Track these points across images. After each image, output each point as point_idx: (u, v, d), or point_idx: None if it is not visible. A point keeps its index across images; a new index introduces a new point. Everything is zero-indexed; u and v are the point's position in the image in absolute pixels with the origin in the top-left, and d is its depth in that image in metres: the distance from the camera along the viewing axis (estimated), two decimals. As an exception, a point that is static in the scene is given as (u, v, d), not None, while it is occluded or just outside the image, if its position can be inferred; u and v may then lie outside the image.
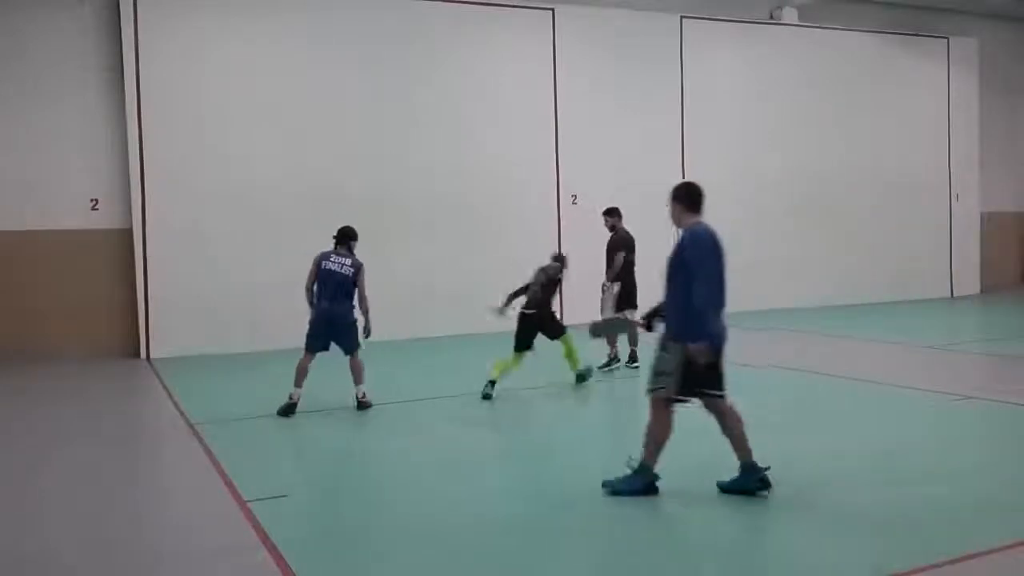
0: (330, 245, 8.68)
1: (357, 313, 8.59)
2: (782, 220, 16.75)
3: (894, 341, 12.48)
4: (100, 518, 5.68)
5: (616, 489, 5.71)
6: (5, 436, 8.14)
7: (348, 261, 8.53)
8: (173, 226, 12.58)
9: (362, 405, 8.59)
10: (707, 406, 5.72)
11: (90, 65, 12.53)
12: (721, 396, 5.66)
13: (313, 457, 7.45)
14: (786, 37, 16.90)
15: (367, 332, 8.65)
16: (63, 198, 12.43)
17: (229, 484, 6.18)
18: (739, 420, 5.67)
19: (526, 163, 14.68)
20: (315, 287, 8.52)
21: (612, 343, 10.26)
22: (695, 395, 5.64)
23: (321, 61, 13.44)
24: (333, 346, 8.65)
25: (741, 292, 16.77)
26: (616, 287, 10.34)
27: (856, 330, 13.75)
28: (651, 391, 5.73)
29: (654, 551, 4.92)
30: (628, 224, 10.82)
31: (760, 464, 5.60)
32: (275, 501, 5.78)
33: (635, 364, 10.32)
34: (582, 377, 9.46)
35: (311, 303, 8.55)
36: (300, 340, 8.53)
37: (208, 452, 7.11)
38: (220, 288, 12.75)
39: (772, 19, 17.00)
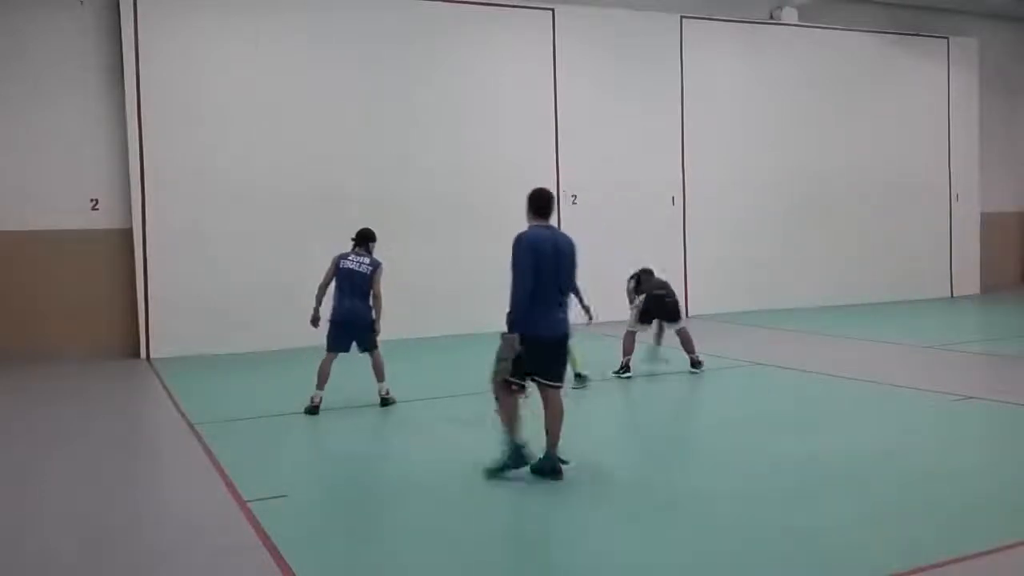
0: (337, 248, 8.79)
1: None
2: (782, 220, 16.74)
3: (894, 341, 12.48)
4: (100, 518, 5.69)
5: (496, 471, 6.11)
6: (5, 436, 8.14)
7: (367, 260, 8.63)
8: (173, 226, 12.58)
9: (386, 402, 8.69)
10: (540, 391, 6.17)
11: (90, 65, 12.53)
12: (553, 386, 6.12)
13: (313, 457, 7.45)
14: (786, 37, 16.90)
15: (375, 331, 8.69)
16: (63, 198, 12.42)
17: (229, 484, 6.18)
18: (560, 416, 6.12)
19: (526, 163, 14.66)
20: (333, 287, 8.57)
21: (627, 351, 10.08)
22: (527, 378, 6.09)
23: (321, 61, 13.44)
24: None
25: (742, 291, 16.90)
26: (639, 299, 10.22)
27: (856, 330, 13.74)
28: (491, 377, 6.15)
29: (656, 550, 4.92)
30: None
31: (563, 457, 6.14)
32: (275, 501, 5.79)
33: (627, 374, 10.02)
34: (581, 378, 9.41)
35: (319, 302, 8.58)
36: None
37: (208, 452, 7.11)
38: (220, 288, 12.75)
39: (772, 19, 16.99)
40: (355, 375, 9.68)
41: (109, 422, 8.74)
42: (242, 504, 5.72)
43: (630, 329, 10.18)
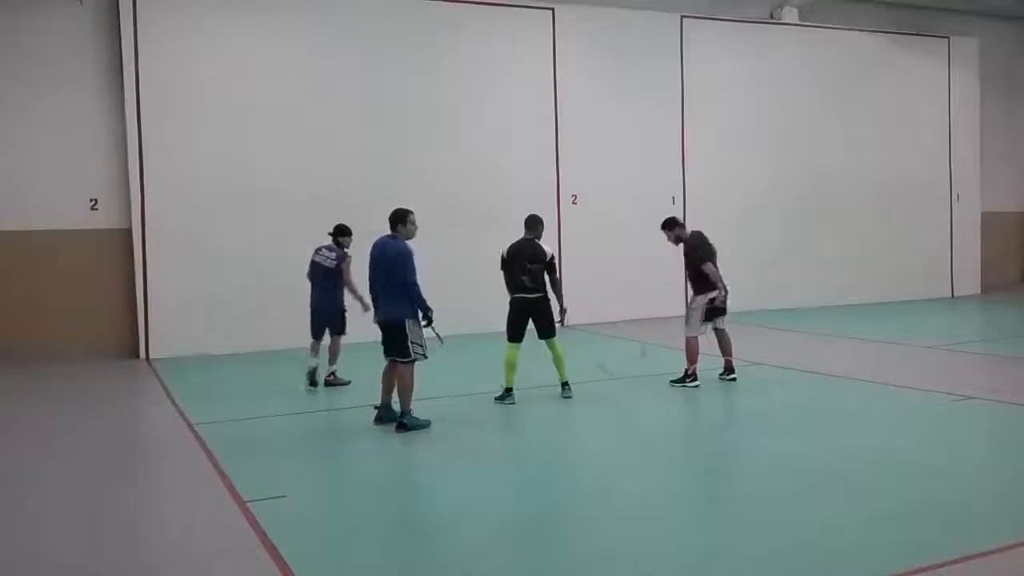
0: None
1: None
2: (782, 220, 16.74)
3: (894, 341, 12.47)
4: (100, 518, 5.68)
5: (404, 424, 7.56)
6: (5, 436, 8.14)
7: (332, 255, 9.68)
8: (173, 226, 12.57)
9: (328, 384, 9.56)
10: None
11: (89, 64, 12.53)
12: (403, 362, 7.72)
13: (313, 457, 7.44)
14: (786, 37, 16.89)
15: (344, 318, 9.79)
16: (63, 198, 12.41)
17: (229, 484, 6.18)
18: (402, 382, 7.67)
19: (526, 164, 14.67)
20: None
21: (693, 359, 9.28)
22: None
23: (321, 61, 13.44)
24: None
25: (742, 292, 16.88)
26: (705, 299, 9.24)
27: (857, 330, 13.73)
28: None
29: (655, 550, 4.91)
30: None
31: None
32: (275, 501, 5.78)
33: (731, 376, 9.50)
34: (568, 386, 9.00)
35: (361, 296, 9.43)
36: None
37: (208, 452, 7.11)
38: (220, 288, 12.75)
39: (772, 19, 17.00)
40: (354, 377, 9.70)
41: (109, 422, 8.73)
42: (242, 504, 5.71)
43: (692, 335, 9.29)
